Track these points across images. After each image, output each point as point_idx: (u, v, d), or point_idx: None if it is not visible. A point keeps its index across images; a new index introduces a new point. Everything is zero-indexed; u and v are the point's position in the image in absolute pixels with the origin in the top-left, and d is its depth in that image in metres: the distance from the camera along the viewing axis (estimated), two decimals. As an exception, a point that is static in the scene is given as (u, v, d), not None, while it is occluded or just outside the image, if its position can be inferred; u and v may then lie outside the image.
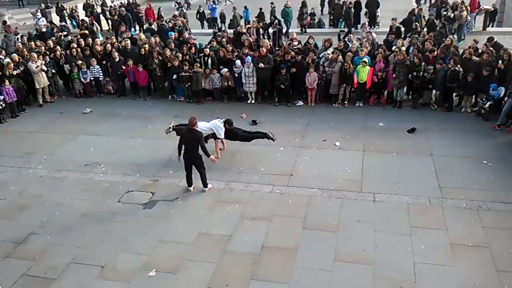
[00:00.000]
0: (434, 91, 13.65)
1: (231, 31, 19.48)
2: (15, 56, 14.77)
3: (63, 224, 8.98)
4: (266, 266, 7.63)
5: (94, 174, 10.86)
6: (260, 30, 19.50)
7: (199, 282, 7.36)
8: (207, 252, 8.02)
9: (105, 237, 8.54)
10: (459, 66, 12.78)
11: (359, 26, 20.38)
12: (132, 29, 22.82)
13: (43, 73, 14.79)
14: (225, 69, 14.45)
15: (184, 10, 26.51)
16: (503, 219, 8.56)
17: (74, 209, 9.46)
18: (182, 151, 9.54)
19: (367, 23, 19.11)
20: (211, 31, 21.37)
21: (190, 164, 9.66)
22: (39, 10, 25.50)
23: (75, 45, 16.00)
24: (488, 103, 12.46)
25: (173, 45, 15.48)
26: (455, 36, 19.75)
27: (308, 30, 22.53)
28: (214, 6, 25.03)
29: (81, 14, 26.25)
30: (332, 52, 14.05)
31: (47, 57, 15.31)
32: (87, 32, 19.08)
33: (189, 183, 9.87)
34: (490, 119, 12.50)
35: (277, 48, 15.33)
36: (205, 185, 9.82)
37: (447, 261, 7.57)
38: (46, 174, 10.97)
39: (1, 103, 13.76)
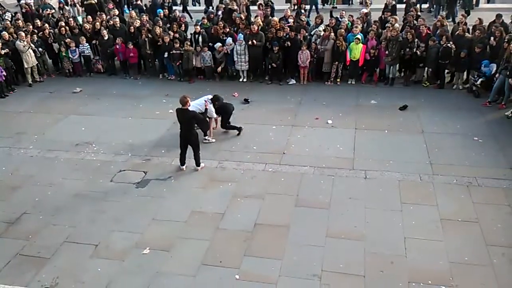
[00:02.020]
0: (426, 68, 13.64)
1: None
2: (6, 34, 14.43)
3: (55, 204, 8.97)
4: (259, 243, 7.70)
5: (86, 153, 10.80)
6: (250, 7, 19.25)
7: (192, 259, 7.41)
8: (201, 230, 8.06)
9: (98, 216, 8.55)
10: (451, 42, 12.75)
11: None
12: (125, 7, 22.36)
13: (32, 52, 14.54)
14: (219, 44, 14.23)
15: None
16: (493, 194, 8.67)
17: (66, 189, 9.43)
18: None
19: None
20: (200, 8, 21.11)
21: (185, 143, 9.61)
22: None
23: (63, 23, 15.71)
24: (480, 80, 12.51)
25: (161, 22, 15.22)
26: (443, 13, 19.68)
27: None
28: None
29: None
30: (324, 30, 13.93)
31: (35, 35, 15.02)
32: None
33: (182, 162, 9.84)
34: (482, 96, 12.56)
35: (268, 26, 15.07)
36: (198, 164, 9.80)
37: (437, 236, 7.67)
38: (37, 154, 10.89)
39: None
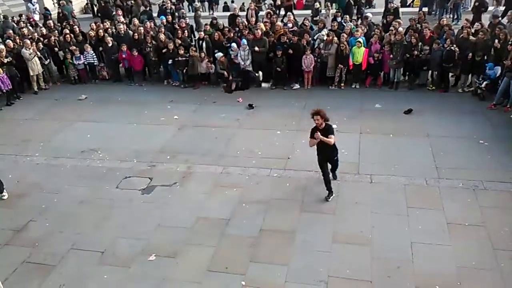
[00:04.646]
0: (430, 72, 13.62)
1: (226, 13, 19.39)
2: (10, 43, 14.56)
3: (61, 211, 8.99)
4: (265, 249, 7.68)
5: (91, 160, 10.84)
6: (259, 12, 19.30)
7: (198, 265, 7.41)
8: (206, 236, 8.06)
9: (104, 223, 8.57)
10: (454, 46, 12.72)
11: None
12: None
13: (37, 60, 14.63)
14: (220, 54, 14.31)
15: None
16: (499, 198, 8.61)
17: (72, 196, 9.46)
18: None
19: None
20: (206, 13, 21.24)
21: None
22: None
23: (68, 31, 15.82)
24: (485, 82, 12.45)
25: (163, 29, 15.28)
26: (450, 16, 19.67)
27: (303, 11, 22.34)
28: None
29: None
30: (327, 35, 13.94)
31: (40, 43, 15.13)
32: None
33: None
34: (487, 98, 12.51)
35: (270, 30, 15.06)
36: None
37: (444, 241, 7.63)
38: (43, 162, 10.95)
39: (-3, 90, 13.69)
